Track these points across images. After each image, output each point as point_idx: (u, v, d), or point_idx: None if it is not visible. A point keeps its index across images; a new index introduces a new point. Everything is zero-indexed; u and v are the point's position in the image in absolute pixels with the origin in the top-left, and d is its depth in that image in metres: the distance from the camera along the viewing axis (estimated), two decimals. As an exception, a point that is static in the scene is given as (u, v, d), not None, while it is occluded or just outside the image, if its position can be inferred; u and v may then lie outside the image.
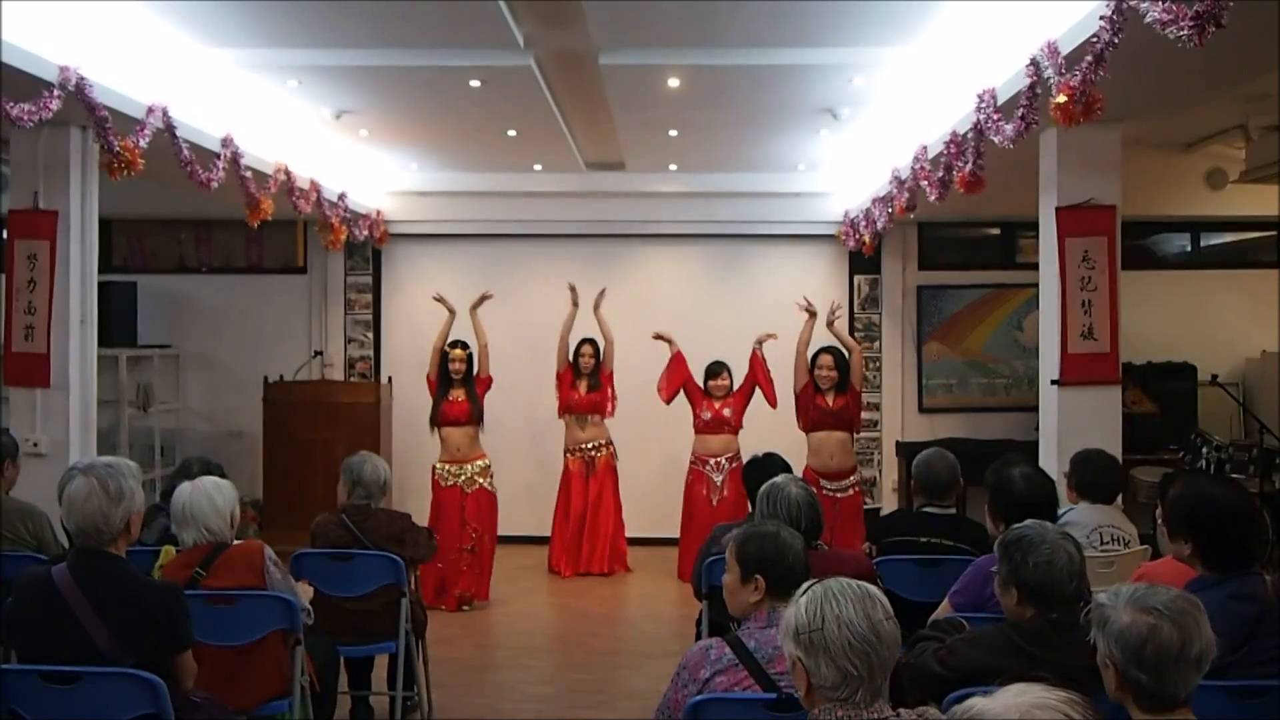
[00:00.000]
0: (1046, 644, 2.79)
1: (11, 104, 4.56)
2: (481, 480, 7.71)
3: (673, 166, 9.17)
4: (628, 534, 8.84)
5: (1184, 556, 3.16)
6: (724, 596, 3.07)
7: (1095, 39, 3.78)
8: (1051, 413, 5.63)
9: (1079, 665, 2.60)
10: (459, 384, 7.66)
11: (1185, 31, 3.24)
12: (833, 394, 7.44)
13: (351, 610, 4.77)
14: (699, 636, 4.93)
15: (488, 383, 7.81)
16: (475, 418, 7.67)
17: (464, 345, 7.75)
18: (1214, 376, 8.70)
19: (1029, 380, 9.84)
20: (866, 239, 8.86)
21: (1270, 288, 9.41)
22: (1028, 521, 3.02)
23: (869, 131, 7.41)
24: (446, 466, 7.69)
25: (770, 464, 4.73)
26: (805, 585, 2.32)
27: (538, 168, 9.14)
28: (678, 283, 10.05)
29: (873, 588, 2.29)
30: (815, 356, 7.52)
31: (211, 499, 3.75)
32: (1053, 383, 5.54)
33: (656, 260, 10.11)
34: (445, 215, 9.83)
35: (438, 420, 7.68)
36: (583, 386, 8.47)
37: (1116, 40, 3.68)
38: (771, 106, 6.85)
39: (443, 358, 7.70)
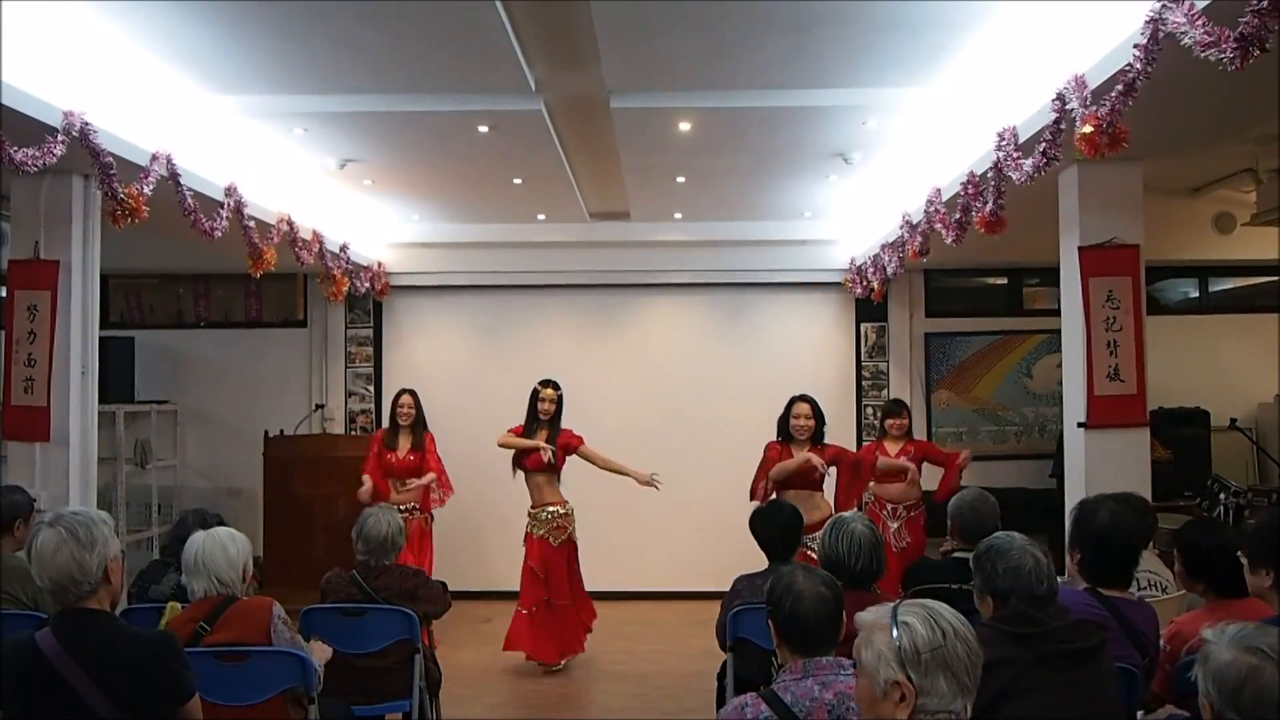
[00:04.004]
0: (1029, 620, 2.89)
1: (15, 149, 4.47)
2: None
3: (677, 215, 9.10)
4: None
5: (1263, 589, 3.13)
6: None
7: (1127, 68, 3.70)
8: (1078, 456, 5.49)
9: (1066, 628, 2.86)
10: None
11: (1228, 54, 3.16)
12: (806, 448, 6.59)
13: (363, 668, 4.59)
14: (721, 689, 4.84)
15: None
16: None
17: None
18: (1233, 420, 8.61)
19: (1039, 428, 9.77)
20: (875, 285, 8.79)
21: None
22: (997, 533, 3.13)
23: (878, 176, 7.36)
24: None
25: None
26: (891, 606, 2.26)
27: (541, 217, 9.06)
28: (682, 332, 9.97)
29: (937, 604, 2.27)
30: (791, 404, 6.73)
31: (225, 548, 3.62)
32: (1079, 425, 5.41)
33: (660, 309, 10.03)
34: (447, 266, 9.74)
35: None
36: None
37: (1150, 69, 3.60)
38: (782, 150, 6.78)
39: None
